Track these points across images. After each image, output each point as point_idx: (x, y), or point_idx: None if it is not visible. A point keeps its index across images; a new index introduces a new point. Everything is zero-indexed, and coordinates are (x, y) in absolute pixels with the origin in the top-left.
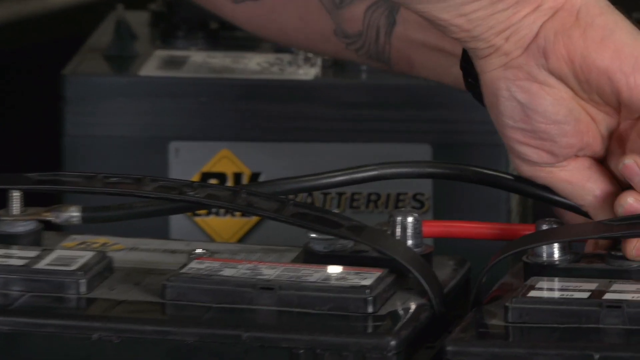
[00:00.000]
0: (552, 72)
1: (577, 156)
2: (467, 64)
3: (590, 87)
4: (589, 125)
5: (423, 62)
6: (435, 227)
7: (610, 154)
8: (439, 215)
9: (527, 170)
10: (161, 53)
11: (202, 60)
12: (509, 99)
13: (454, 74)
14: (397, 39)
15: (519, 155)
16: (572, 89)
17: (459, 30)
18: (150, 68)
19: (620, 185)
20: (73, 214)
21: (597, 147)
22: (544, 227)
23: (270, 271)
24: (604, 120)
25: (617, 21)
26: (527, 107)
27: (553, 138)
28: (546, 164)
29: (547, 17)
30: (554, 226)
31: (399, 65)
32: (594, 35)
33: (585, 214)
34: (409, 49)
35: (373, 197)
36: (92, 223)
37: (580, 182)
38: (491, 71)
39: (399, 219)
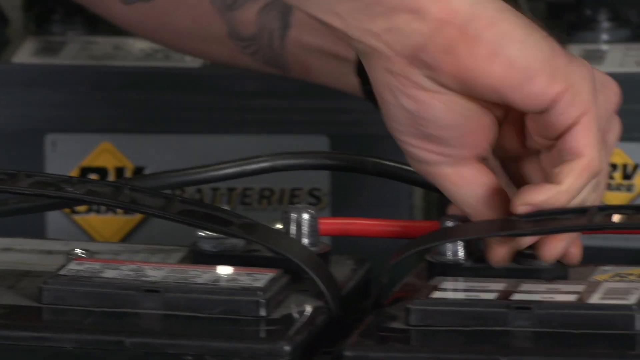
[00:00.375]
0: (439, 84)
1: (469, 156)
2: (364, 71)
3: (479, 96)
4: (480, 120)
5: (319, 67)
6: (333, 225)
7: (501, 149)
8: (336, 211)
9: (419, 169)
10: (36, 39)
11: (80, 47)
12: (397, 106)
13: (351, 81)
14: (292, 43)
15: (410, 156)
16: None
17: (336, 30)
18: (24, 55)
19: (512, 181)
20: None
21: (486, 143)
22: (449, 223)
23: (155, 272)
24: (492, 111)
25: (508, 31)
26: (416, 115)
27: (446, 141)
28: (439, 164)
29: (431, 30)
30: (460, 223)
31: (295, 71)
32: (482, 51)
33: None
34: (304, 53)
35: (266, 193)
36: None
37: (470, 181)
38: (376, 72)
39: (293, 215)
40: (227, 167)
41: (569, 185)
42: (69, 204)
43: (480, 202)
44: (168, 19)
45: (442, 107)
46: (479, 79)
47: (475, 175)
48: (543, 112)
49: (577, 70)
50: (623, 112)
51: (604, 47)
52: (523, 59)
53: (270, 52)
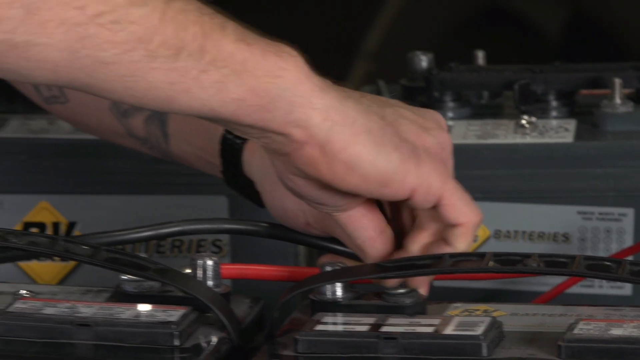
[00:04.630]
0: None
1: (353, 205)
2: (229, 176)
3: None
4: None
5: (201, 167)
6: (233, 270)
7: None
8: (235, 258)
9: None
10: None
11: (20, 123)
12: (278, 182)
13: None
14: (174, 148)
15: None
16: None
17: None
18: None
19: (397, 220)
20: None
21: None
22: (328, 268)
23: (87, 309)
24: None
25: (360, 152)
26: (296, 192)
27: (327, 204)
28: (328, 212)
29: (295, 147)
30: (337, 268)
31: (186, 165)
32: (339, 169)
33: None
34: (186, 156)
35: (177, 243)
36: None
37: (358, 222)
38: (268, 157)
39: (200, 262)
40: (146, 231)
41: (461, 247)
42: (16, 256)
43: (367, 240)
44: (80, 118)
45: (317, 188)
46: (340, 187)
47: (362, 216)
48: (406, 200)
49: (425, 167)
50: (466, 177)
51: (450, 122)
52: (375, 174)
53: (162, 151)
